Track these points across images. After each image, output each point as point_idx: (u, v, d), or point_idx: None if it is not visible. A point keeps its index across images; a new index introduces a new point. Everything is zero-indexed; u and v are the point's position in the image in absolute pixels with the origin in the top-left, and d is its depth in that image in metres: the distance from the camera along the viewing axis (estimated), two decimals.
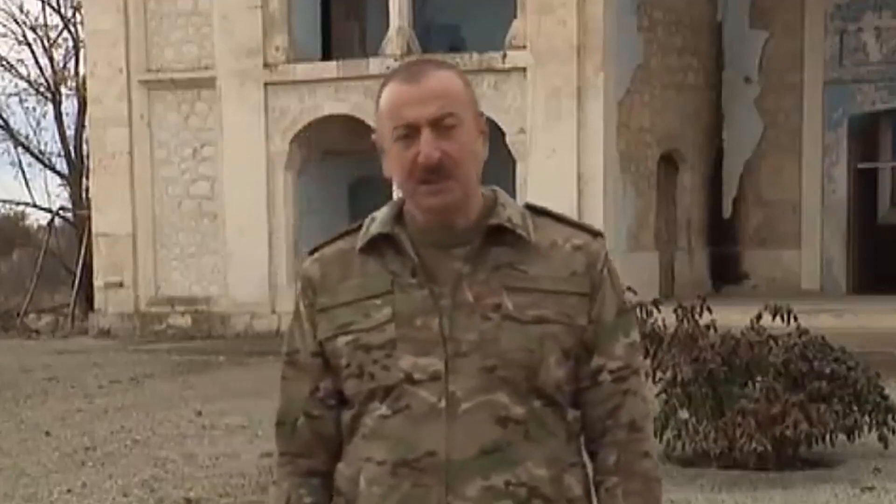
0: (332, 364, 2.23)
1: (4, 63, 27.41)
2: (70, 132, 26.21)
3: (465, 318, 2.13)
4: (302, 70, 18.40)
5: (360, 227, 2.26)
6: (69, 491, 7.91)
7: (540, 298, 2.15)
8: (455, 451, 2.10)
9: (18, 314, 22.38)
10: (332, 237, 2.31)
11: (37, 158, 27.63)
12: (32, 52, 27.39)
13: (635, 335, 2.27)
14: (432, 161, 2.09)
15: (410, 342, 2.13)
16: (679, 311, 8.24)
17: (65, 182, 27.03)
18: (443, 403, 2.11)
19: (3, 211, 30.50)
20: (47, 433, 10.08)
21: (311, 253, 2.30)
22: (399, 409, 2.13)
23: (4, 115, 27.66)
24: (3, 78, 36.06)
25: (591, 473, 2.26)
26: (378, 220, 2.23)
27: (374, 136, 2.21)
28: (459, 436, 2.10)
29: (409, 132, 2.11)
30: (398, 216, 2.22)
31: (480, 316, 2.13)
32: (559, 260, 2.19)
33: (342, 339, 2.19)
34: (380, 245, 2.20)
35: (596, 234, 2.26)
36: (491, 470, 2.11)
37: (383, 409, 2.15)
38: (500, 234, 2.17)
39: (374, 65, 17.94)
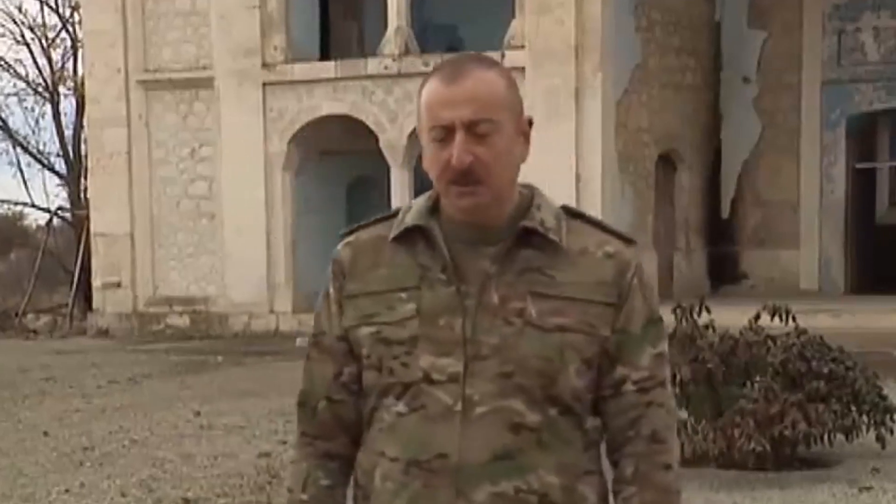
0: (356, 352, 2.22)
1: (3, 63, 27.47)
2: (68, 132, 26.21)
3: (487, 321, 2.12)
4: (300, 70, 18.40)
5: (397, 213, 2.24)
6: (67, 491, 7.90)
7: (563, 305, 2.13)
8: (467, 454, 2.10)
9: (17, 314, 22.37)
10: (369, 221, 2.30)
11: (35, 158, 27.66)
12: (31, 52, 27.44)
13: (663, 346, 2.23)
14: (463, 165, 2.08)
15: (431, 341, 2.13)
16: (677, 311, 8.24)
17: (63, 182, 27.04)
18: (458, 406, 2.10)
19: (1, 211, 30.52)
20: (45, 433, 10.07)
21: (346, 235, 2.29)
22: (415, 408, 2.13)
23: (3, 115, 27.75)
24: (1, 78, 36.05)
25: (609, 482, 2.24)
26: (414, 209, 2.21)
27: (416, 128, 2.20)
28: (472, 440, 2.10)
29: (445, 134, 2.10)
30: (434, 208, 2.20)
31: (503, 320, 2.11)
32: (588, 267, 2.16)
33: (365, 330, 2.19)
34: (413, 236, 2.19)
35: (629, 242, 2.23)
36: (501, 476, 2.10)
37: (400, 407, 2.15)
38: (531, 237, 2.15)
39: (372, 65, 17.96)
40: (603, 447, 2.24)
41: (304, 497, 2.30)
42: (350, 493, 2.31)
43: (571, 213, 2.23)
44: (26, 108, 27.96)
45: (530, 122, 2.20)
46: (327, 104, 18.25)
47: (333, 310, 2.26)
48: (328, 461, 2.29)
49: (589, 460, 2.19)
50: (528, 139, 2.19)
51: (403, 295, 2.16)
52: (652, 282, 2.25)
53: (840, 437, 7.87)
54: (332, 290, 2.26)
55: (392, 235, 2.21)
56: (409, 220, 2.20)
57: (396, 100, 17.70)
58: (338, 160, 18.91)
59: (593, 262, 2.17)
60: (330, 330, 2.27)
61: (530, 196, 2.20)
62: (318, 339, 2.30)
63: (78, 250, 22.25)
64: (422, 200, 2.23)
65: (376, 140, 17.73)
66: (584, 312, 2.14)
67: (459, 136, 2.08)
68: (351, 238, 2.28)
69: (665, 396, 2.22)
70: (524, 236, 2.15)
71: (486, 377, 2.10)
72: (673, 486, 2.21)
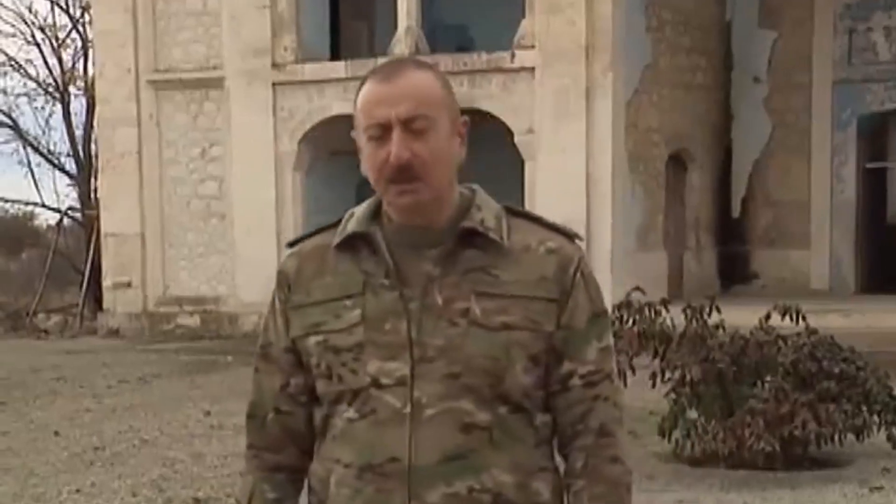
0: (305, 362, 2.23)
1: (14, 63, 27.52)
2: (79, 132, 26.25)
3: (432, 323, 2.12)
4: (310, 70, 18.41)
5: (339, 222, 2.26)
6: (78, 491, 7.92)
7: (508, 304, 2.13)
8: (418, 457, 2.10)
9: (28, 314, 22.42)
10: (312, 231, 2.31)
11: (46, 158, 27.71)
12: (41, 52, 27.48)
13: (608, 340, 2.25)
14: (401, 161, 2.09)
15: (378, 346, 2.13)
16: (688, 311, 8.24)
17: (73, 182, 27.08)
18: (407, 409, 2.11)
19: (12, 211, 30.60)
20: (56, 433, 10.09)
21: (291, 245, 2.31)
22: (365, 414, 2.14)
23: (14, 116, 27.76)
24: (12, 78, 36.15)
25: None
26: (356, 216, 2.23)
27: (353, 133, 2.20)
28: (423, 442, 2.10)
29: (382, 132, 2.11)
30: (376, 214, 2.22)
31: (448, 321, 2.12)
32: (530, 264, 2.17)
33: (313, 339, 2.20)
34: (356, 243, 2.20)
35: (572, 237, 2.24)
36: (454, 476, 2.11)
37: (351, 413, 2.16)
38: (473, 237, 2.16)
39: None
40: (556, 442, 2.26)
41: None
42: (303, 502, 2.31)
43: (513, 212, 2.25)
44: (37, 108, 28.07)
45: (465, 124, 2.21)
46: (337, 104, 18.23)
47: (279, 321, 2.27)
48: (275, 473, 2.30)
49: (542, 457, 2.21)
50: (464, 140, 2.20)
51: (348, 302, 2.17)
52: (596, 276, 2.25)
53: (851, 436, 7.87)
54: (277, 302, 2.28)
55: (335, 243, 2.22)
56: (351, 227, 2.21)
57: None
58: (347, 160, 18.79)
59: (535, 259, 2.18)
60: (276, 342, 2.29)
61: (471, 197, 2.21)
62: (266, 351, 2.32)
63: (88, 250, 22.30)
64: (364, 206, 2.24)
65: None
66: (527, 309, 2.14)
67: (396, 133, 2.09)
68: (295, 248, 2.29)
69: (611, 390, 2.23)
70: (466, 237, 2.15)
71: (433, 379, 2.11)
72: (622, 478, 2.22)
